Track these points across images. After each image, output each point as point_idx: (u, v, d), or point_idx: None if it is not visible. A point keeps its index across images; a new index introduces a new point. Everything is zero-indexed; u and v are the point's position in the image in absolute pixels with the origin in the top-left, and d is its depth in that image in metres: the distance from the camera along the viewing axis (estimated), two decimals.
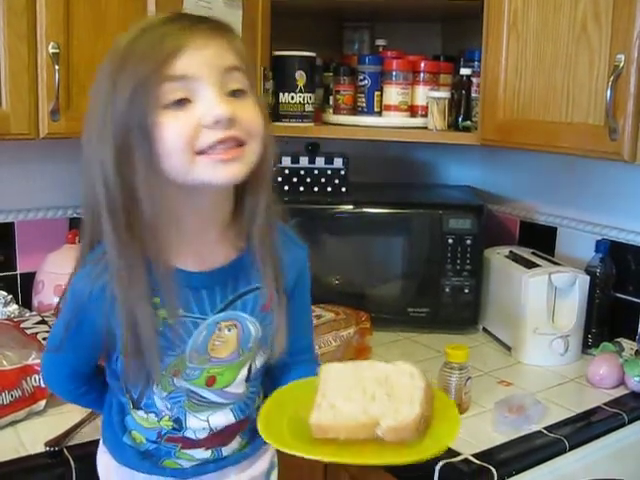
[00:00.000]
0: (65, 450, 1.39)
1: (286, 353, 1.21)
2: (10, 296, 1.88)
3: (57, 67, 1.53)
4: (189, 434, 1.20)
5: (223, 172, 1.02)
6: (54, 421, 1.48)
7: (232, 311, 1.15)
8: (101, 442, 1.28)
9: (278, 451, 1.32)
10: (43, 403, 1.51)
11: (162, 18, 1.05)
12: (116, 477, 1.25)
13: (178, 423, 1.19)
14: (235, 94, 1.04)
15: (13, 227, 1.98)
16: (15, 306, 1.87)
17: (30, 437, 1.43)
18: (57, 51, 1.53)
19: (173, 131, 0.99)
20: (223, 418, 1.21)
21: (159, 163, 1.01)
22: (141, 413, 1.19)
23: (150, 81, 0.98)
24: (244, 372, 1.19)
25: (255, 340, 1.18)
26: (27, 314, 1.83)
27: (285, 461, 1.43)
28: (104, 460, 1.27)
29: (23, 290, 1.98)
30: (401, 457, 1.01)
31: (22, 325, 1.67)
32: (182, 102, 1.00)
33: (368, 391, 1.08)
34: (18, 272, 1.99)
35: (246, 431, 1.26)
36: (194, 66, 1.00)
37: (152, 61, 0.98)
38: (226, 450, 1.24)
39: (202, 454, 1.22)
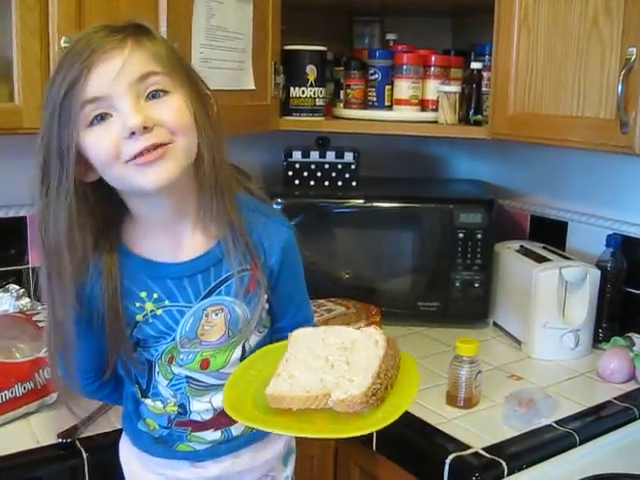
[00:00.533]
0: (77, 442, 1.40)
1: (286, 329, 1.23)
2: (22, 289, 1.89)
3: None
4: (195, 417, 1.24)
5: (152, 175, 1.05)
6: (66, 413, 1.48)
7: (217, 296, 1.19)
8: (123, 431, 1.34)
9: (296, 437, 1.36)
10: (55, 395, 1.52)
11: (80, 36, 1.07)
12: (137, 462, 1.30)
13: (182, 408, 1.23)
14: (155, 95, 1.06)
15: (25, 221, 1.98)
16: (27, 299, 1.87)
17: (42, 429, 1.44)
18: (69, 45, 1.53)
19: (98, 148, 1.05)
20: None
21: (99, 175, 1.08)
22: (149, 401, 1.25)
23: (66, 107, 1.03)
24: (237, 352, 1.23)
25: (244, 321, 1.21)
26: (39, 307, 1.84)
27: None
28: (126, 447, 1.33)
29: (35, 283, 1.98)
30: (348, 430, 1.02)
31: (34, 318, 1.67)
32: (103, 117, 1.04)
33: (330, 359, 1.11)
34: (30, 266, 2.00)
35: None
36: (104, 86, 1.02)
37: (65, 87, 1.02)
38: (235, 430, 1.27)
39: (212, 435, 1.25)
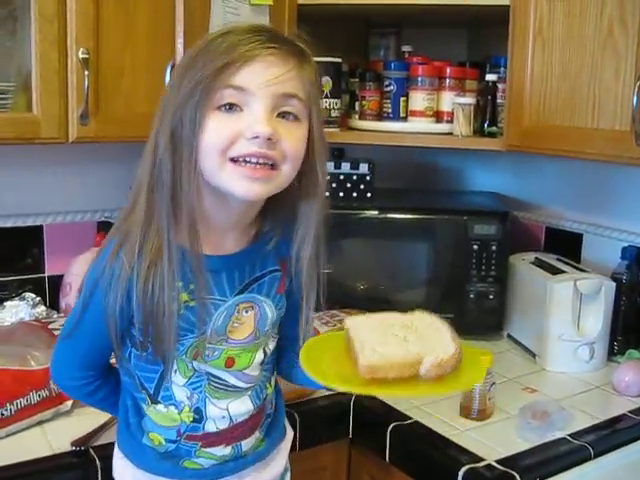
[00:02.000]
0: (91, 450, 1.40)
1: (290, 337, 1.27)
2: (38, 298, 1.91)
3: (87, 72, 1.55)
4: (210, 426, 1.21)
5: (246, 187, 1.07)
6: (80, 421, 1.50)
7: (249, 294, 1.20)
8: (116, 448, 1.29)
9: (289, 455, 1.38)
10: (70, 403, 1.52)
11: (246, 27, 1.10)
12: None
13: (198, 414, 1.20)
14: (286, 116, 1.09)
15: (42, 230, 2.00)
16: (43, 307, 1.89)
17: (56, 437, 1.45)
18: (87, 56, 1.55)
19: (215, 132, 1.06)
20: (242, 406, 1.23)
21: (198, 159, 1.07)
22: (160, 407, 1.20)
23: (209, 82, 1.04)
24: (260, 355, 1.23)
25: (271, 323, 1.23)
26: (55, 315, 1.86)
27: (301, 467, 1.44)
28: (120, 465, 1.28)
29: (51, 292, 2.00)
30: (446, 389, 1.10)
31: (50, 326, 1.69)
32: (233, 107, 1.06)
33: (400, 335, 1.13)
34: (46, 274, 2.02)
35: (263, 426, 1.28)
36: (254, 82, 1.05)
37: (217, 64, 1.05)
38: (245, 445, 1.25)
39: (222, 451, 1.23)
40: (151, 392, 1.20)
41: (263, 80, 1.05)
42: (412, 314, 1.19)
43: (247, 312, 1.20)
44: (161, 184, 1.09)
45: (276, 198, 1.16)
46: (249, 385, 1.23)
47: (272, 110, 1.07)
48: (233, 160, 1.06)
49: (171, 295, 1.10)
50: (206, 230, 1.14)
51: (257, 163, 1.07)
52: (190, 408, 1.20)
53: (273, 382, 1.31)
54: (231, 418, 1.22)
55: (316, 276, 1.24)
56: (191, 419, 1.20)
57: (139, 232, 1.10)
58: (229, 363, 1.20)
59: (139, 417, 1.24)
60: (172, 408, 1.20)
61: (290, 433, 1.40)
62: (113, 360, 1.25)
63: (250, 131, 1.05)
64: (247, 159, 1.06)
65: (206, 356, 1.18)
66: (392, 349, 1.09)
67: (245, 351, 1.21)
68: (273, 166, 1.08)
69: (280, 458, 1.34)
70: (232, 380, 1.21)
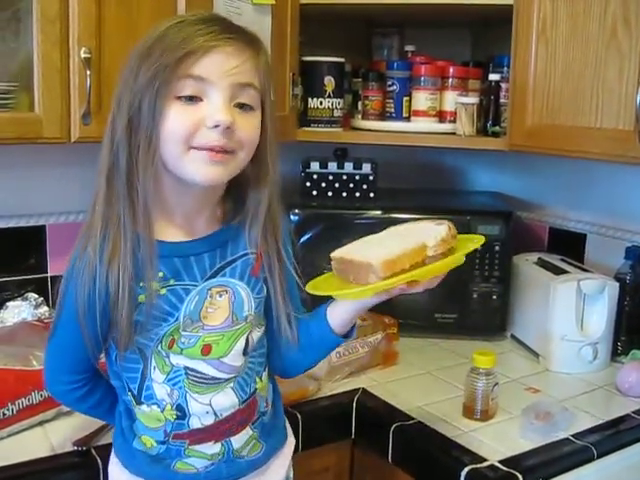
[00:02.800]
0: (92, 450, 1.40)
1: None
2: (41, 298, 1.91)
3: (89, 72, 1.55)
4: (194, 422, 1.20)
5: (205, 172, 1.11)
6: (82, 421, 1.49)
7: (222, 277, 1.21)
8: (112, 453, 1.30)
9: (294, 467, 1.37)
10: None
11: (203, 17, 1.14)
12: None
13: (181, 410, 1.20)
14: (242, 107, 1.13)
15: (44, 230, 2.00)
16: (45, 308, 1.89)
17: (58, 437, 1.45)
18: (89, 56, 1.55)
19: (177, 122, 1.09)
20: (226, 399, 1.21)
21: (158, 147, 1.10)
22: (144, 408, 1.21)
23: (169, 72, 1.07)
24: (241, 343, 1.22)
25: (250, 310, 1.22)
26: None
27: (303, 468, 1.44)
28: (115, 471, 1.28)
29: (53, 292, 2.00)
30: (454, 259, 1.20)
31: None
32: (193, 98, 1.10)
33: (396, 237, 1.19)
34: (49, 274, 2.01)
35: (256, 424, 1.27)
36: (213, 72, 1.09)
37: (177, 55, 1.07)
38: (236, 442, 1.24)
39: (212, 448, 1.22)
40: (135, 393, 1.20)
41: (223, 70, 1.09)
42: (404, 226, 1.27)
43: (221, 296, 1.20)
44: (118, 170, 1.12)
45: (236, 183, 1.21)
46: (230, 376, 1.21)
47: (230, 100, 1.11)
48: (194, 148, 1.10)
49: (129, 283, 1.11)
50: (170, 216, 1.18)
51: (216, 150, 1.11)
52: (172, 406, 1.19)
53: (265, 378, 1.29)
54: (215, 413, 1.21)
55: (281, 268, 1.25)
56: (174, 417, 1.20)
57: (100, 223, 1.13)
58: (205, 350, 1.19)
59: (131, 421, 1.24)
60: (155, 407, 1.20)
61: (292, 440, 1.38)
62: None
63: (211, 120, 1.09)
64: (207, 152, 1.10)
65: (182, 344, 1.17)
66: (394, 245, 1.15)
67: (224, 338, 1.20)
68: (230, 152, 1.12)
69: (280, 467, 1.33)
70: (211, 371, 1.20)
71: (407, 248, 1.14)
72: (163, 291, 1.16)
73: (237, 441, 1.24)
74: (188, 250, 1.19)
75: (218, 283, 1.20)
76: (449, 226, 1.18)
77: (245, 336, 1.23)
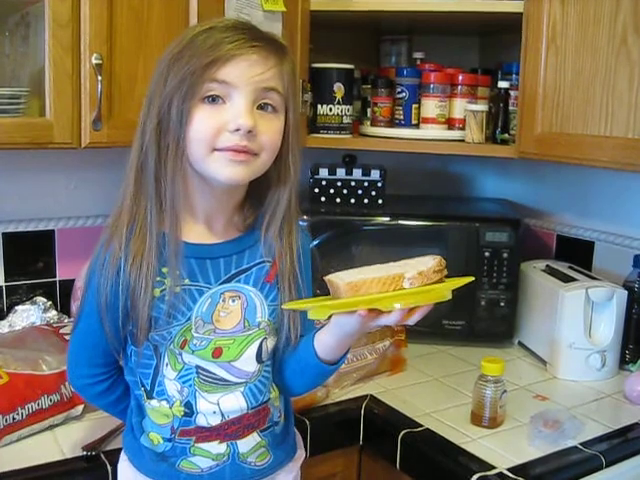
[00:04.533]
0: (101, 455, 1.40)
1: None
2: (49, 302, 1.92)
3: (100, 77, 1.56)
4: (201, 421, 1.22)
5: (228, 172, 1.14)
6: (91, 426, 1.50)
7: (236, 283, 1.23)
8: (122, 451, 1.32)
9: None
10: (81, 408, 1.53)
11: (230, 23, 1.17)
12: None
13: (189, 407, 1.21)
14: (265, 108, 1.16)
15: (54, 234, 2.01)
16: (54, 312, 1.90)
17: (68, 441, 1.45)
18: (100, 62, 1.56)
19: (200, 124, 1.13)
20: (234, 401, 1.22)
21: (185, 148, 1.14)
22: (154, 403, 1.23)
23: (196, 77, 1.11)
24: (253, 349, 1.23)
25: (264, 316, 1.24)
26: (66, 320, 1.86)
27: (311, 474, 1.44)
28: (124, 467, 1.30)
29: (62, 296, 2.01)
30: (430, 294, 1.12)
31: (61, 331, 1.69)
32: (216, 99, 1.13)
33: (384, 267, 1.15)
34: (57, 279, 2.02)
35: (266, 432, 1.27)
36: (237, 76, 1.12)
37: (203, 61, 1.11)
38: (242, 446, 1.25)
39: (217, 448, 1.23)
40: (148, 388, 1.23)
41: (247, 76, 1.12)
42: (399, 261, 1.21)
43: (234, 301, 1.22)
44: (146, 170, 1.16)
45: (257, 188, 1.24)
46: (240, 380, 1.22)
47: (253, 103, 1.14)
48: (217, 150, 1.13)
49: (150, 279, 1.15)
50: (192, 218, 1.22)
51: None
52: (181, 402, 1.21)
53: (277, 390, 1.30)
54: (222, 414, 1.22)
55: (293, 274, 1.26)
56: (182, 413, 1.22)
57: (127, 218, 1.17)
58: (216, 353, 1.21)
59: (140, 417, 1.27)
60: (164, 403, 1.22)
61: (301, 453, 1.38)
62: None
63: (233, 123, 1.12)
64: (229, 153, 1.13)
65: (193, 345, 1.20)
66: (373, 272, 1.12)
67: (235, 342, 1.22)
68: (252, 153, 1.15)
69: (287, 474, 1.33)
70: (221, 373, 1.22)
71: (379, 275, 1.11)
72: (177, 289, 1.18)
73: (244, 445, 1.25)
74: (205, 253, 1.22)
75: (231, 288, 1.22)
76: (436, 261, 1.14)
77: (258, 342, 1.24)
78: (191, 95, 1.11)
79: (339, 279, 1.13)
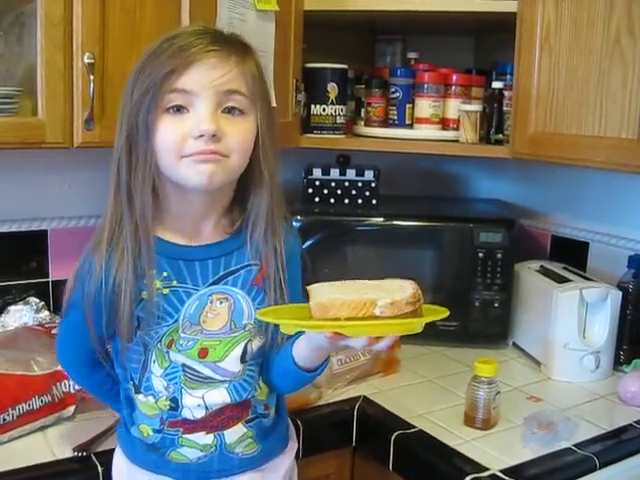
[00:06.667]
0: (92, 456, 1.40)
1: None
2: (42, 302, 1.91)
3: (92, 77, 1.55)
4: (186, 414, 1.24)
5: (198, 172, 1.14)
6: (82, 427, 1.50)
7: (224, 285, 1.24)
8: (117, 445, 1.34)
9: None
10: (72, 409, 1.52)
11: (190, 30, 1.18)
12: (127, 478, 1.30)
13: (175, 402, 1.23)
14: (232, 112, 1.16)
15: (46, 234, 2.00)
16: (47, 312, 1.89)
17: (59, 442, 1.44)
18: (92, 61, 1.55)
19: (166, 134, 1.14)
20: (218, 396, 1.24)
21: (154, 157, 1.15)
22: (141, 397, 1.25)
23: (157, 88, 1.13)
24: (238, 350, 1.24)
25: (249, 319, 1.25)
26: (58, 320, 1.85)
27: (303, 475, 1.43)
28: (118, 459, 1.33)
29: (55, 297, 2.00)
30: (397, 321, 1.07)
31: (53, 331, 1.68)
32: (180, 109, 1.14)
33: (362, 291, 1.11)
34: (50, 279, 2.01)
35: (252, 423, 1.28)
36: (196, 84, 1.13)
37: (162, 71, 1.12)
38: (229, 436, 1.26)
39: (204, 439, 1.25)
40: (136, 382, 1.25)
41: (206, 82, 1.13)
42: (381, 281, 1.18)
43: (221, 303, 1.23)
44: (120, 184, 1.18)
45: (241, 191, 1.25)
46: (225, 378, 1.24)
47: (216, 107, 1.14)
48: (185, 157, 1.14)
49: (130, 290, 1.16)
50: (177, 223, 1.23)
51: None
52: (167, 397, 1.23)
53: (265, 386, 1.30)
54: (206, 407, 1.24)
55: (280, 278, 1.26)
56: (168, 407, 1.24)
57: (107, 235, 1.19)
58: (202, 353, 1.22)
59: (130, 409, 1.29)
60: (150, 398, 1.24)
61: (293, 445, 1.39)
62: None
63: (196, 130, 1.12)
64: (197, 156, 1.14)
65: (180, 345, 1.21)
66: (347, 295, 1.10)
67: (221, 343, 1.23)
68: (222, 155, 1.15)
69: (276, 470, 1.33)
70: (207, 372, 1.23)
71: (350, 299, 1.08)
72: (166, 291, 1.20)
73: (230, 436, 1.26)
74: (193, 255, 1.23)
75: (220, 290, 1.23)
76: (410, 293, 1.09)
77: (244, 344, 1.25)
78: (154, 107, 1.13)
79: (316, 293, 1.13)
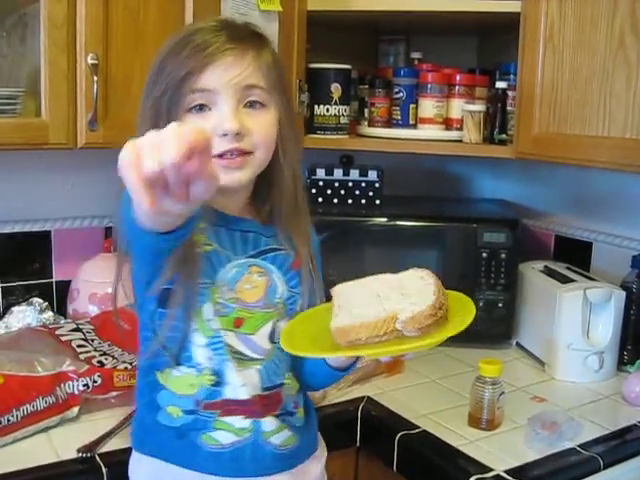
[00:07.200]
0: (97, 457, 1.39)
1: None
2: (45, 303, 1.91)
3: (96, 78, 1.55)
4: (229, 392, 1.20)
5: (226, 177, 1.14)
6: (87, 428, 1.50)
7: (263, 261, 1.25)
8: (133, 451, 1.29)
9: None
10: (76, 410, 1.52)
11: (206, 27, 1.17)
12: None
13: (219, 376, 1.20)
14: (253, 106, 1.17)
15: (50, 235, 2.00)
16: (50, 313, 1.89)
17: (63, 443, 1.44)
18: (96, 62, 1.55)
19: None
20: (255, 377, 1.22)
21: None
22: (182, 369, 1.20)
23: (177, 89, 1.13)
24: (268, 327, 1.24)
25: (281, 298, 1.25)
26: (62, 321, 1.85)
27: None
28: (135, 459, 1.28)
29: (58, 297, 2.00)
30: (419, 341, 1.06)
31: (57, 332, 1.68)
32: (202, 108, 1.15)
33: (382, 295, 1.13)
34: (54, 280, 2.02)
35: (282, 418, 1.26)
36: (216, 82, 1.14)
37: (180, 73, 1.13)
38: (265, 425, 1.23)
39: (241, 423, 1.21)
40: (174, 352, 1.20)
41: (225, 80, 1.13)
42: (403, 273, 1.20)
43: (260, 277, 1.23)
44: None
45: (264, 181, 1.25)
46: (257, 356, 1.22)
47: (238, 103, 1.15)
48: (213, 157, 1.12)
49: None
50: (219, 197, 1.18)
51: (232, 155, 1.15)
52: (210, 371, 1.20)
53: (294, 380, 1.29)
54: (250, 388, 1.21)
55: (311, 264, 1.29)
56: (211, 382, 1.20)
57: None
58: (237, 323, 1.21)
59: (155, 393, 1.23)
60: (192, 371, 1.20)
61: (323, 452, 1.38)
62: None
63: (220, 129, 1.13)
64: (223, 160, 1.14)
65: (217, 311, 1.19)
66: (366, 310, 1.10)
67: (254, 316, 1.22)
68: (247, 153, 1.16)
69: (313, 471, 1.33)
70: (240, 346, 1.21)
71: (368, 321, 1.08)
72: (208, 247, 1.18)
73: (267, 424, 1.23)
74: (235, 224, 1.23)
75: (259, 264, 1.24)
76: (429, 305, 1.07)
77: (272, 322, 1.24)
78: (176, 108, 1.13)
79: (338, 295, 1.17)
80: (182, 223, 0.92)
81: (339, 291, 1.20)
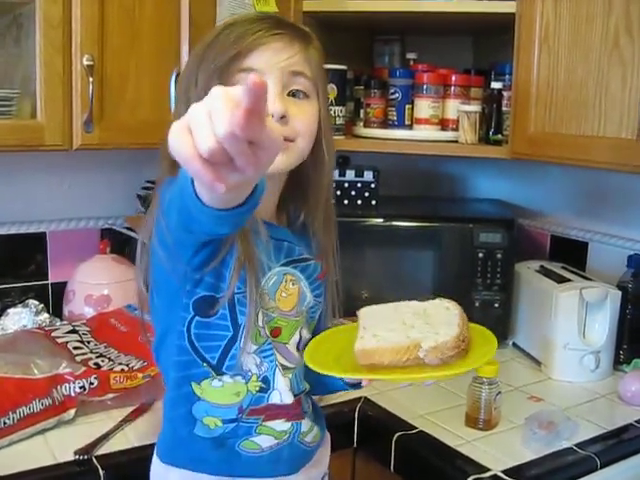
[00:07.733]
0: (94, 459, 1.39)
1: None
2: (41, 305, 1.91)
3: (91, 79, 1.55)
4: (275, 397, 1.20)
5: None
6: (83, 430, 1.49)
7: (294, 269, 1.23)
8: (158, 461, 1.24)
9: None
10: (73, 412, 1.52)
11: (252, 16, 1.19)
12: None
13: (266, 383, 1.20)
14: (297, 95, 1.16)
15: (45, 237, 2.00)
16: (46, 315, 1.89)
17: (59, 445, 1.44)
18: (91, 63, 1.55)
19: None
20: (293, 383, 1.23)
21: None
22: (226, 379, 1.18)
23: (224, 70, 1.11)
24: (297, 336, 1.25)
25: (307, 305, 1.26)
26: (58, 323, 1.85)
27: None
28: (160, 473, 1.24)
29: (54, 299, 2.00)
30: (440, 371, 1.08)
31: (53, 334, 1.68)
32: None
33: (407, 322, 1.15)
34: (49, 281, 2.01)
35: (310, 413, 1.29)
36: (264, 63, 1.12)
37: (228, 54, 1.11)
38: (304, 425, 1.25)
39: (282, 426, 1.22)
40: (214, 363, 1.17)
41: (273, 60, 1.12)
42: (430, 302, 1.22)
43: (293, 285, 1.23)
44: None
45: (296, 181, 1.23)
46: (291, 365, 1.23)
47: (283, 89, 1.13)
48: None
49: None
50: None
51: None
52: (258, 377, 1.19)
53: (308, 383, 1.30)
54: (291, 393, 1.22)
55: (335, 268, 1.29)
56: (257, 389, 1.19)
57: None
58: (275, 332, 1.21)
59: (189, 405, 1.19)
60: (239, 378, 1.18)
61: (328, 435, 1.39)
62: None
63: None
64: None
65: (263, 319, 1.18)
66: (391, 335, 1.12)
67: (288, 325, 1.23)
68: (289, 140, 1.14)
69: (324, 457, 1.35)
70: (279, 357, 1.21)
71: (395, 343, 1.10)
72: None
73: (304, 425, 1.26)
74: (270, 231, 1.19)
75: (292, 272, 1.23)
76: (453, 337, 1.09)
77: (299, 331, 1.25)
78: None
79: (363, 317, 1.21)
80: (249, 194, 0.84)
81: (365, 313, 1.23)
